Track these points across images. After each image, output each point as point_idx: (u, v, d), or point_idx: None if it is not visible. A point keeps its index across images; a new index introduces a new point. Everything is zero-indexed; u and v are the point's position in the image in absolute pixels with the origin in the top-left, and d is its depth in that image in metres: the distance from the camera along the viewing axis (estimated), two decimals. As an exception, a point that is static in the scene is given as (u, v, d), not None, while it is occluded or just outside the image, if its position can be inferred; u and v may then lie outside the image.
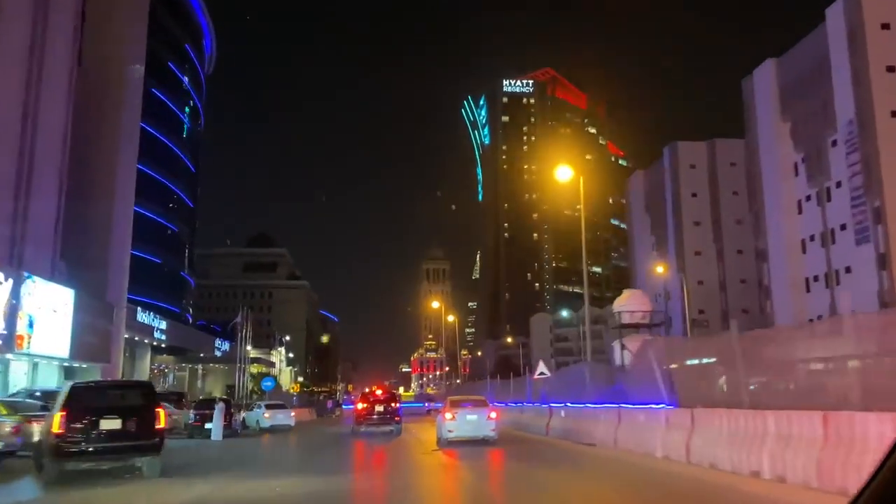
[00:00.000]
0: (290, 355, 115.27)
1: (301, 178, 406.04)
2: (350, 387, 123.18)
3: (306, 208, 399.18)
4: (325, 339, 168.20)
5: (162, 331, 54.65)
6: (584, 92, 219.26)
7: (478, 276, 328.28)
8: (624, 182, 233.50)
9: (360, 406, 28.19)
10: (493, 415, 20.89)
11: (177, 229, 71.34)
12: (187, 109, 77.13)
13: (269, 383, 48.21)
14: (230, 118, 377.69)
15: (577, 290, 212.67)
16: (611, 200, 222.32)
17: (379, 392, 30.93)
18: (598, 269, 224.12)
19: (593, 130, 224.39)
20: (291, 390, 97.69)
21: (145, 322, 50.81)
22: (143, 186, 61.86)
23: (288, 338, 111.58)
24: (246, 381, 58.47)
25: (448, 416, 20.63)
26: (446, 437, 20.51)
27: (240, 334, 57.55)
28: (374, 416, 27.06)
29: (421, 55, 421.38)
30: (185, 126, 76.76)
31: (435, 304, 65.18)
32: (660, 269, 66.80)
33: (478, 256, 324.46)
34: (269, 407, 36.02)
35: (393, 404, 27.80)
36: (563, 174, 28.29)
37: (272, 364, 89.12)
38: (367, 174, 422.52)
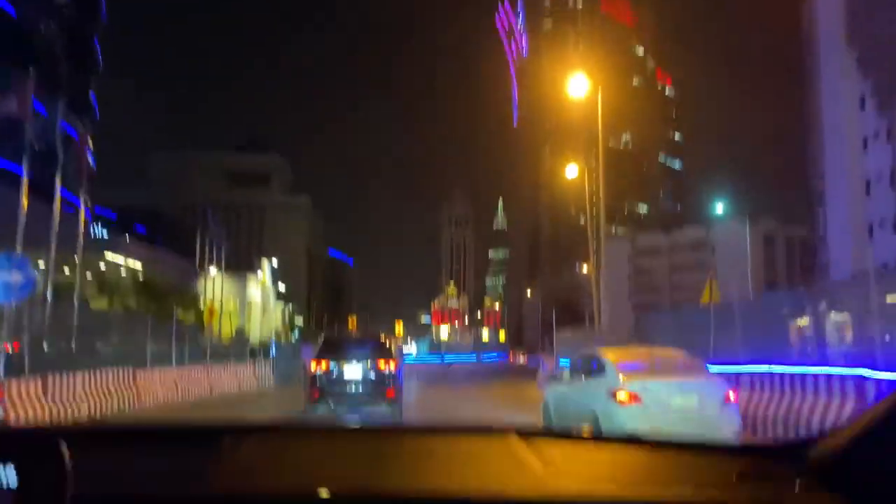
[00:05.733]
0: (282, 288, 79.27)
1: (307, 93, 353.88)
2: (352, 321, 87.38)
3: (313, 133, 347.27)
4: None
5: None
6: (630, 7, 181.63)
7: (500, 224, 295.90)
8: (670, 110, 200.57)
9: (314, 366, 13.05)
10: (732, 395, 9.00)
11: (13, 12, 34.03)
12: None
13: (15, 276, 11.59)
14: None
15: (622, 231, 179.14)
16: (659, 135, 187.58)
17: (355, 338, 17.72)
18: (643, 208, 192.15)
19: (641, 52, 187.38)
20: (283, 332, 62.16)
21: None
22: None
23: (275, 261, 75.48)
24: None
25: (621, 395, 8.64)
26: None
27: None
28: (345, 387, 12.90)
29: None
30: None
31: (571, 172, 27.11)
32: None
33: (500, 204, 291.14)
34: None
35: (382, 364, 13.11)
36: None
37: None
38: (382, 98, 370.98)
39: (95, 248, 26.38)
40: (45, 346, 17.53)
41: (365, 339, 16.32)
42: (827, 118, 55.14)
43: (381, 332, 20.33)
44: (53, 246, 18.26)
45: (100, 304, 24.36)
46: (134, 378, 16.25)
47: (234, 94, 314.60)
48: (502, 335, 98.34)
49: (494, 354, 52.61)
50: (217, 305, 30.89)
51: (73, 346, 18.34)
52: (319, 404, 12.98)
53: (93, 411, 14.17)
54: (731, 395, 9.08)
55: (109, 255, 27.57)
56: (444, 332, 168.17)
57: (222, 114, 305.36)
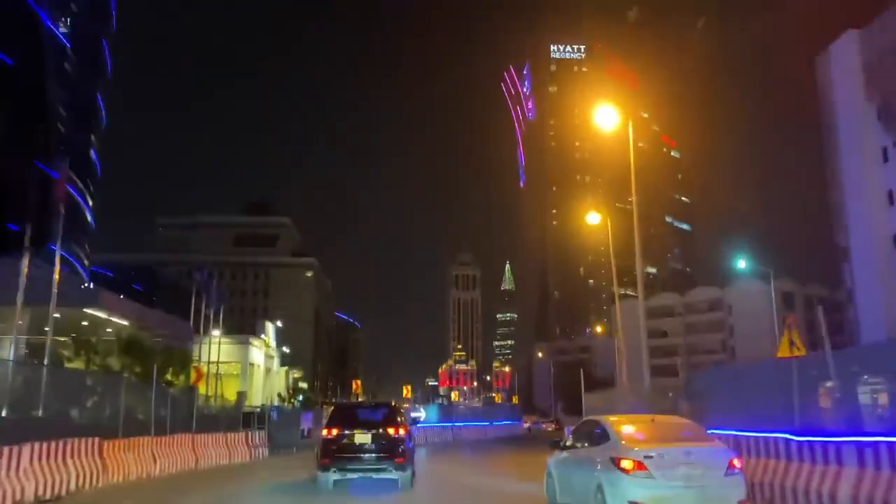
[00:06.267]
0: (286, 350, 76.66)
1: (313, 162, 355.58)
2: (356, 385, 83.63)
3: (322, 203, 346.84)
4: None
5: None
6: (633, 71, 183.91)
7: (508, 286, 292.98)
8: (676, 172, 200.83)
9: (325, 433, 13.53)
10: (738, 464, 8.85)
11: (10, 62, 32.96)
12: None
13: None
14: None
15: (630, 292, 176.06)
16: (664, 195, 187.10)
17: (365, 404, 18.09)
18: (652, 270, 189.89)
19: (646, 115, 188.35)
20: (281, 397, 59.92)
21: None
22: None
23: (279, 323, 73.12)
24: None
25: (625, 463, 8.51)
26: None
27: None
28: (355, 453, 13.18)
29: (453, 29, 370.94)
30: None
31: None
32: None
33: (507, 266, 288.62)
34: None
35: (391, 430, 13.45)
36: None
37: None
38: (391, 161, 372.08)
39: (75, 303, 24.18)
40: (3, 412, 15.22)
41: (375, 405, 16.39)
42: (847, 173, 53.44)
43: (391, 399, 19.82)
44: (20, 302, 16.16)
45: (77, 364, 22.10)
46: (99, 449, 13.83)
47: (242, 157, 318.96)
48: (515, 399, 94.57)
49: (507, 420, 49.52)
50: (210, 367, 28.17)
51: (41, 412, 16.07)
52: (330, 470, 13.08)
53: (42, 491, 11.76)
54: (736, 462, 8.91)
55: (90, 311, 25.19)
56: (454, 396, 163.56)
57: (230, 176, 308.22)
